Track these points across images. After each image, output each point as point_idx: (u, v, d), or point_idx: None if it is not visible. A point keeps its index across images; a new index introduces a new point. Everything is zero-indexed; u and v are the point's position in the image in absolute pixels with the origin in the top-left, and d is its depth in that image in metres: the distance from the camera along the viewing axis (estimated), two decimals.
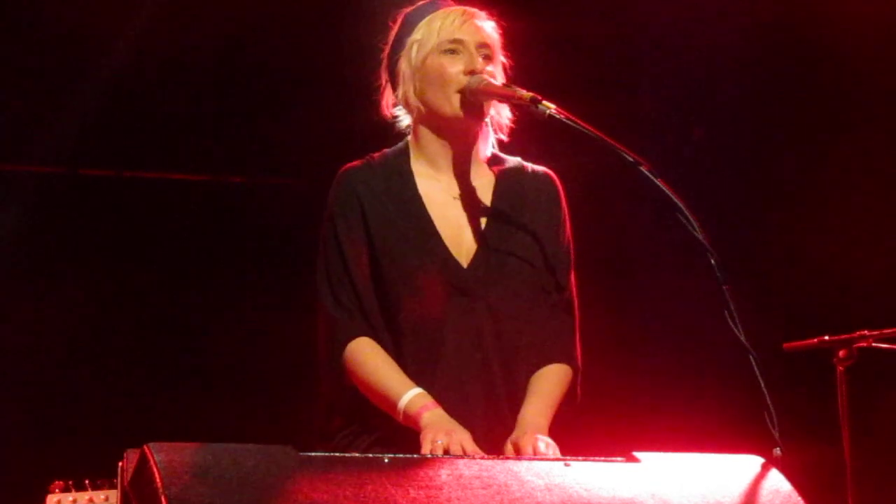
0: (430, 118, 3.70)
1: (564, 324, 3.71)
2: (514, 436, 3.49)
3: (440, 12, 3.72)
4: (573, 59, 6.29)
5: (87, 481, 5.44)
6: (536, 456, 3.34)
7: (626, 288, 7.11)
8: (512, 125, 3.76)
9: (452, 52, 3.66)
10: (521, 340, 3.63)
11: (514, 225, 3.69)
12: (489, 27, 3.73)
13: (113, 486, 5.48)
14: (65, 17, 6.17)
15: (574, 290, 3.76)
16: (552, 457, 3.33)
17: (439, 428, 3.40)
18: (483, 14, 3.75)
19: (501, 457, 3.12)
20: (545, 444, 3.42)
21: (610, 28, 6.41)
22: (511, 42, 3.78)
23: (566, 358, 3.68)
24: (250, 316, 7.22)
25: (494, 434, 3.53)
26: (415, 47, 3.70)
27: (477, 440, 3.42)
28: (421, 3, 3.78)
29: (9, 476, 6.16)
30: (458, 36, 3.67)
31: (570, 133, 3.44)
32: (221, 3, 6.27)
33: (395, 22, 3.79)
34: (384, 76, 3.80)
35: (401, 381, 3.53)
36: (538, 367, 3.65)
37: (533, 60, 3.86)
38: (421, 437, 3.40)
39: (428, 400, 3.48)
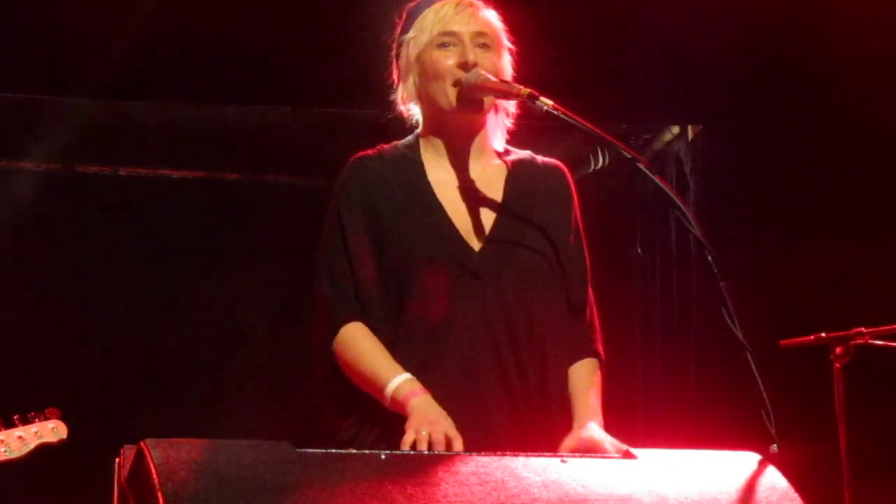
0: (432, 111, 3.71)
1: (586, 318, 3.73)
2: (580, 436, 3.49)
3: (435, 6, 3.71)
4: (571, 55, 6.29)
5: (15, 417, 5.40)
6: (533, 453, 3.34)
7: (622, 285, 7.11)
8: (518, 111, 3.77)
9: (445, 45, 3.66)
10: (532, 326, 3.62)
11: (525, 214, 3.68)
12: (488, 16, 3.72)
13: (45, 418, 5.44)
14: (63, 14, 6.17)
15: (590, 285, 3.77)
16: (548, 454, 3.33)
17: (424, 418, 3.39)
18: (480, 3, 3.73)
19: (498, 453, 3.11)
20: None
21: (608, 24, 6.41)
22: (508, 36, 3.77)
23: (594, 353, 3.71)
24: (248, 312, 7.23)
25: (507, 415, 3.53)
26: (411, 43, 3.71)
27: (489, 421, 3.44)
28: None
29: None
30: (450, 28, 3.66)
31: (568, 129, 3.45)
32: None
33: (401, 18, 3.79)
34: (395, 73, 3.81)
35: (389, 366, 3.52)
36: (567, 362, 3.66)
37: (530, 55, 3.85)
38: (406, 424, 3.39)
39: (416, 386, 3.47)
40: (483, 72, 3.61)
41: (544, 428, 3.58)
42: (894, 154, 6.23)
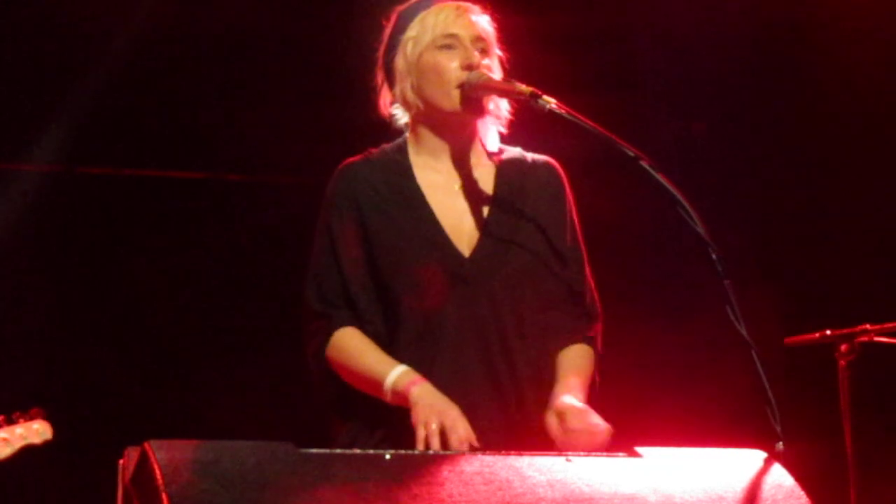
0: (428, 114, 3.70)
1: (581, 310, 3.71)
2: (557, 408, 3.46)
3: (434, 8, 3.71)
4: (573, 54, 6.29)
5: (1, 418, 5.36)
6: (538, 452, 3.33)
7: (626, 282, 7.10)
8: (511, 118, 3.76)
9: (448, 46, 3.65)
10: (524, 328, 3.61)
11: (516, 214, 3.68)
12: (484, 21, 3.72)
13: (30, 419, 5.39)
14: (63, 14, 6.17)
15: (589, 277, 3.75)
16: (553, 453, 3.33)
17: (430, 408, 3.38)
18: (477, 8, 3.74)
19: (503, 452, 3.11)
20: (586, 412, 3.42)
21: (610, 22, 6.41)
22: (510, 37, 3.77)
23: (587, 340, 3.68)
24: (250, 313, 7.23)
25: (498, 420, 3.53)
26: (410, 44, 3.70)
27: (480, 427, 3.41)
28: (414, 0, 3.77)
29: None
30: (452, 31, 3.66)
31: (570, 128, 3.44)
32: (219, 1, 6.27)
33: (388, 20, 3.78)
34: (380, 75, 3.79)
35: (385, 361, 3.52)
36: (558, 349, 3.64)
37: (533, 55, 3.85)
38: (412, 415, 3.39)
39: (415, 375, 3.47)
40: (486, 72, 3.62)
41: (539, 429, 3.55)
42: None
